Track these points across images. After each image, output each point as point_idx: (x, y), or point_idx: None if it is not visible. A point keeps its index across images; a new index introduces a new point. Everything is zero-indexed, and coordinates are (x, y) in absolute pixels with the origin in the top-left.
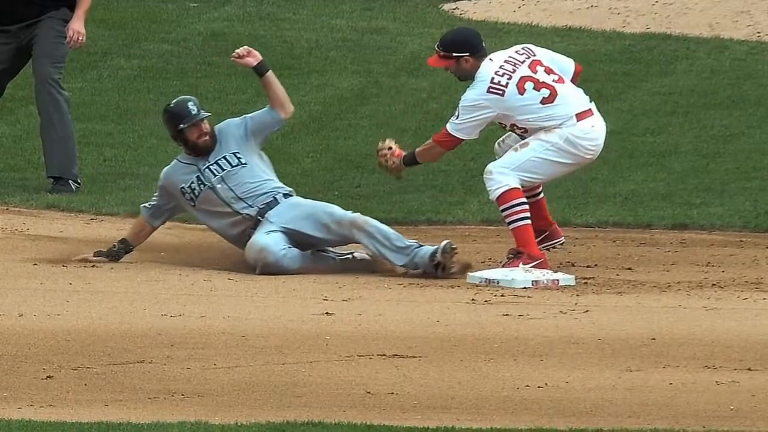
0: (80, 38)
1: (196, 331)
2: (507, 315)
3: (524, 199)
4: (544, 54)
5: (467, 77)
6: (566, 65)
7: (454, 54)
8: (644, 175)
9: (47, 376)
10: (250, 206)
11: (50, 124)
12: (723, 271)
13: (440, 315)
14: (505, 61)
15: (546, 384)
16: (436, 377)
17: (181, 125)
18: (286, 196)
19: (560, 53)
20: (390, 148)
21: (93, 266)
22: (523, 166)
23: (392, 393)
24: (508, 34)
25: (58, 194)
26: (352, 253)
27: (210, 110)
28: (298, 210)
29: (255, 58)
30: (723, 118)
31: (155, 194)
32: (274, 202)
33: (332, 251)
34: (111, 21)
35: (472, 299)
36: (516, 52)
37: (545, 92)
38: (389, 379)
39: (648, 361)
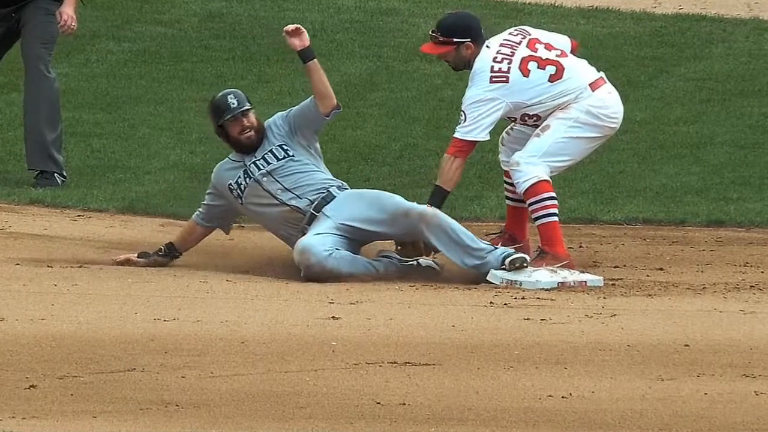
0: (72, 23)
1: (191, 336)
2: (528, 319)
3: (554, 194)
4: (539, 32)
5: (465, 66)
6: (563, 42)
7: (455, 40)
8: (677, 168)
9: (30, 386)
10: (299, 197)
11: (35, 110)
12: (762, 272)
13: (456, 319)
14: (501, 45)
15: (570, 394)
16: (452, 386)
17: (221, 120)
18: (339, 188)
19: (586, 36)
20: None
21: (80, 266)
22: (551, 150)
23: (404, 403)
24: (530, 15)
25: (43, 188)
26: (417, 259)
27: (206, 97)
28: (359, 202)
29: (302, 41)
30: (762, 106)
31: (207, 194)
32: (330, 196)
33: (395, 256)
34: (99, 0)
35: (491, 302)
36: (510, 33)
37: (551, 69)
38: (401, 389)
39: (681, 369)
